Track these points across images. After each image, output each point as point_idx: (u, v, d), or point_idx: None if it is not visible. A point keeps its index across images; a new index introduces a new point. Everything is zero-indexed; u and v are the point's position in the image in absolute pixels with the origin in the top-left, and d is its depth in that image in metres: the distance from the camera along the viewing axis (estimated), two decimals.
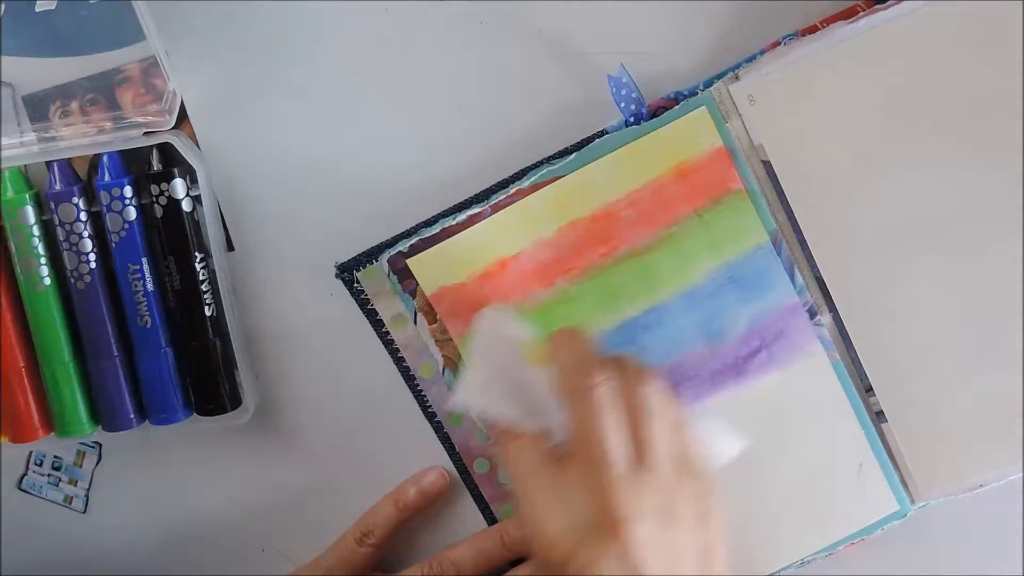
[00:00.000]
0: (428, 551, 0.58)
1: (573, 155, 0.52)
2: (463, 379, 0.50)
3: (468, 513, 0.57)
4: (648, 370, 0.47)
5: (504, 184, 0.53)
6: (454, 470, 0.57)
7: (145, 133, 0.52)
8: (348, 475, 0.58)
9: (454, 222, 0.53)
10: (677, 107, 0.52)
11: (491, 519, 0.57)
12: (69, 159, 0.53)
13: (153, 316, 0.53)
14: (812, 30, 0.51)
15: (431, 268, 0.53)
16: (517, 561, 0.56)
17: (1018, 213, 0.52)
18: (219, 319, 0.54)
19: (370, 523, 0.56)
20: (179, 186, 0.52)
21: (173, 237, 0.53)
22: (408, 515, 0.56)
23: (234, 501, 0.59)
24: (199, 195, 0.53)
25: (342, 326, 0.55)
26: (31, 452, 0.58)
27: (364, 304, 0.55)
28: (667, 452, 0.46)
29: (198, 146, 0.54)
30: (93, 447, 0.58)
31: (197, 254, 0.53)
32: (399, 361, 0.55)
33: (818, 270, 0.53)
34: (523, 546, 0.56)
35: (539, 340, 0.50)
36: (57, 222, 0.52)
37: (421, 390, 0.56)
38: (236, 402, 0.55)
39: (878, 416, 0.55)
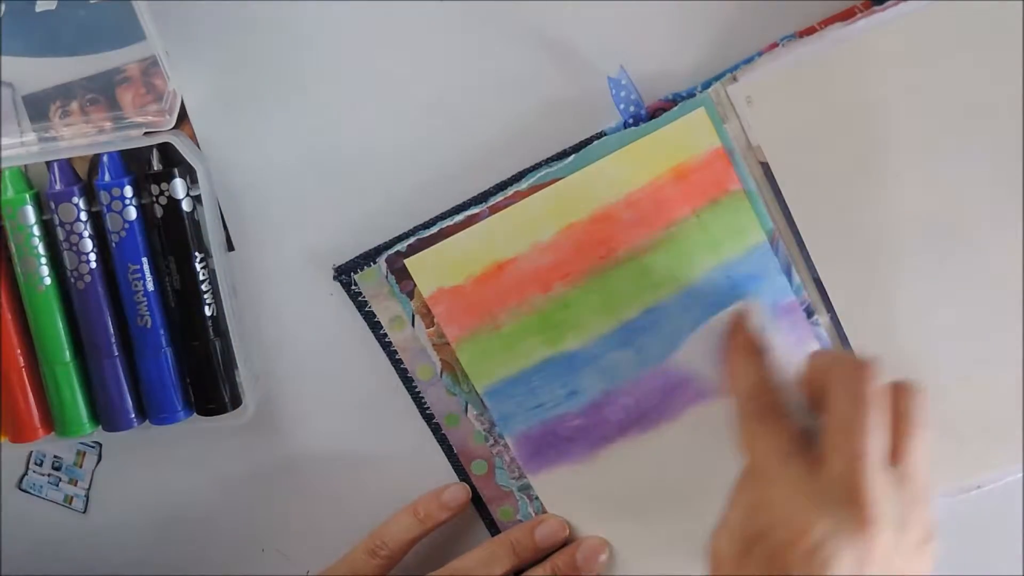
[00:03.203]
0: (428, 554, 0.58)
1: (572, 157, 0.52)
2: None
3: (467, 513, 0.57)
4: (914, 384, 0.47)
5: (503, 186, 0.53)
6: (453, 471, 0.57)
7: (145, 133, 0.53)
8: (347, 475, 0.58)
9: (452, 223, 0.53)
10: (675, 108, 0.52)
11: (489, 520, 0.57)
12: (69, 159, 0.53)
13: (153, 316, 0.53)
14: (810, 31, 0.51)
15: (429, 269, 0.53)
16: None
17: (1017, 213, 0.52)
18: (219, 319, 0.55)
19: (385, 535, 0.56)
20: (179, 186, 0.53)
21: (173, 237, 0.53)
22: (428, 527, 0.56)
23: (234, 501, 0.59)
24: (199, 195, 0.53)
25: (342, 326, 0.56)
26: (31, 452, 0.59)
27: (362, 306, 0.55)
28: (920, 468, 0.46)
29: (198, 146, 0.54)
30: (93, 447, 0.58)
31: (197, 254, 0.53)
32: (397, 363, 0.55)
33: (815, 270, 0.53)
34: (533, 552, 0.56)
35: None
36: (57, 222, 0.52)
37: (419, 391, 0.56)
38: (236, 402, 0.55)
39: None
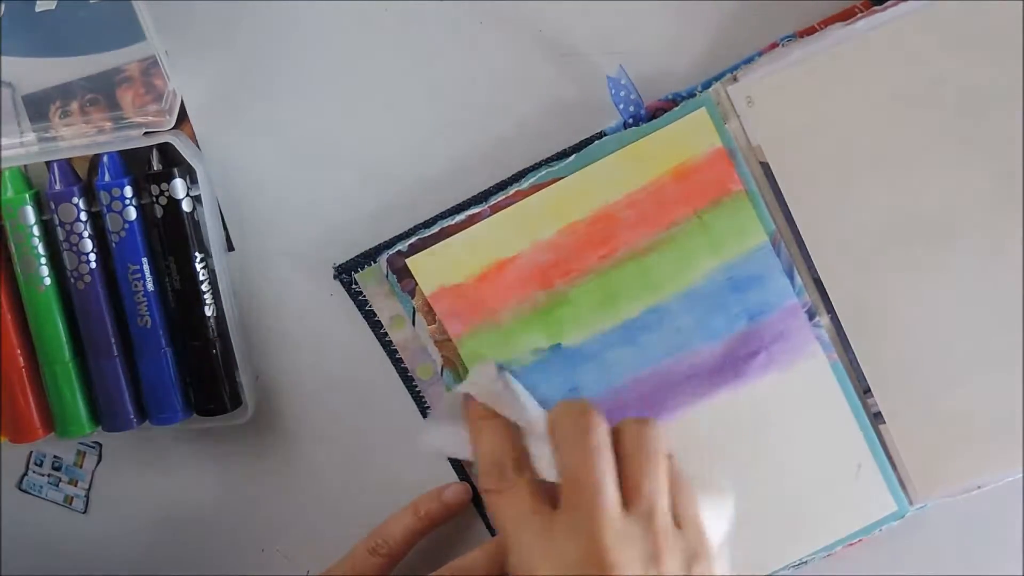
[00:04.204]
0: (428, 555, 0.58)
1: (572, 156, 0.52)
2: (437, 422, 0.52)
3: (467, 514, 0.57)
4: (645, 418, 0.48)
5: (503, 185, 0.53)
6: (453, 471, 0.57)
7: (145, 133, 0.53)
8: (347, 475, 0.58)
9: (453, 222, 0.53)
10: (677, 108, 0.52)
11: (488, 520, 0.57)
12: (69, 159, 0.53)
13: (153, 316, 0.53)
14: (810, 31, 0.51)
15: (430, 268, 0.53)
16: None
17: (1017, 213, 0.52)
18: (219, 319, 0.55)
19: (385, 533, 0.56)
20: (179, 186, 0.53)
21: (173, 237, 0.53)
22: (427, 525, 0.56)
23: (234, 501, 0.59)
24: (199, 195, 0.53)
25: (342, 326, 0.56)
26: (31, 452, 0.59)
27: (362, 305, 0.55)
28: (660, 498, 0.46)
29: (198, 146, 0.54)
30: (93, 447, 0.58)
31: (197, 254, 0.53)
32: (397, 362, 0.55)
33: (815, 270, 0.53)
34: None
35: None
36: (57, 222, 0.52)
37: (419, 391, 0.56)
38: (236, 402, 0.55)
39: (876, 417, 0.55)
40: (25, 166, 0.53)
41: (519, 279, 0.53)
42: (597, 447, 0.46)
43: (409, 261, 0.53)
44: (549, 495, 0.48)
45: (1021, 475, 0.55)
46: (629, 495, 0.46)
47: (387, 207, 0.54)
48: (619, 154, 0.52)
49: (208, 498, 0.59)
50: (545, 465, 0.49)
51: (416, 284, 0.53)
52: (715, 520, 0.49)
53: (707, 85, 0.52)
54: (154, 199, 0.53)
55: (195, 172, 0.53)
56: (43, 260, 0.53)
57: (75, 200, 0.52)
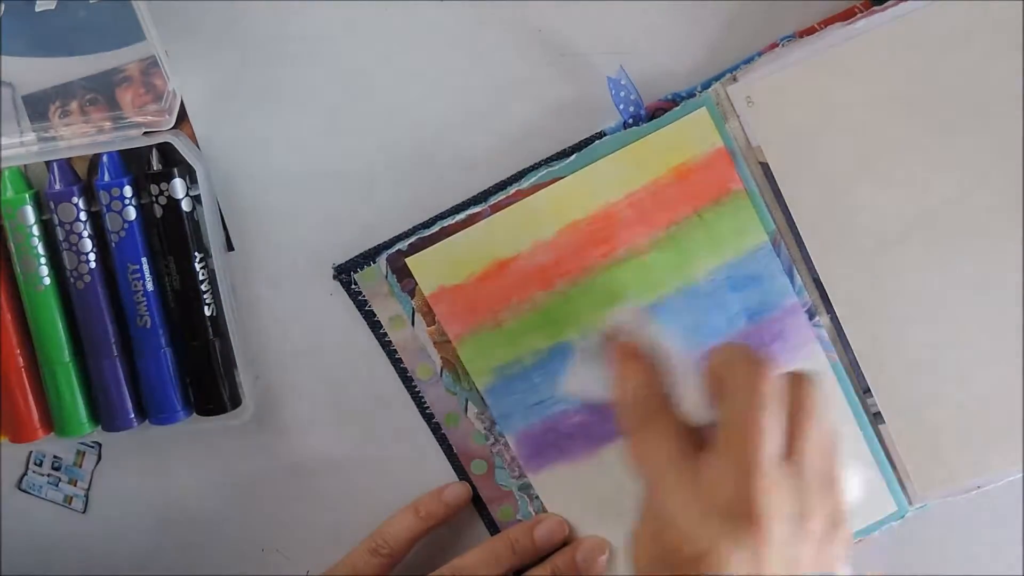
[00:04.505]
0: (429, 554, 0.58)
1: (573, 156, 0.53)
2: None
3: (466, 514, 0.57)
4: (810, 374, 0.47)
5: (503, 185, 0.53)
6: (453, 471, 0.57)
7: (145, 133, 0.53)
8: (347, 475, 0.58)
9: (453, 222, 0.53)
10: (677, 108, 0.52)
11: (488, 520, 0.57)
12: (69, 159, 0.53)
13: (153, 316, 0.53)
14: (810, 32, 0.51)
15: (430, 267, 0.53)
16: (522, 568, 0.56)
17: (1017, 213, 0.52)
18: (219, 319, 0.54)
19: (386, 533, 0.56)
20: (179, 186, 0.53)
21: (173, 237, 0.53)
22: (429, 525, 0.56)
23: (234, 501, 0.59)
24: (199, 195, 0.53)
25: (342, 326, 0.56)
26: (31, 452, 0.58)
27: (362, 305, 0.55)
28: (816, 458, 0.46)
29: (198, 146, 0.54)
30: (93, 447, 0.58)
31: (197, 254, 0.53)
32: (396, 362, 0.55)
33: (815, 270, 0.53)
34: (533, 552, 0.56)
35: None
36: (57, 222, 0.52)
37: (419, 391, 0.56)
38: (236, 402, 0.55)
39: (876, 417, 0.55)
40: (25, 166, 0.53)
41: (519, 279, 0.53)
42: (770, 394, 0.45)
43: (409, 260, 0.53)
44: (692, 438, 0.47)
45: (1021, 475, 0.55)
46: (787, 449, 0.45)
47: (387, 207, 0.54)
48: (619, 154, 0.52)
49: (208, 498, 0.59)
50: (690, 407, 0.48)
51: (416, 284, 0.53)
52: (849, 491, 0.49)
53: (707, 85, 0.52)
54: (154, 199, 0.53)
55: (195, 172, 0.53)
56: (43, 260, 0.53)
57: (75, 200, 0.52)
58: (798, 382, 0.47)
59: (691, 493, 0.45)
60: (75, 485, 0.59)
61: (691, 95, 0.52)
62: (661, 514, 0.46)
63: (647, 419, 0.48)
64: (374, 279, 0.54)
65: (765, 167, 0.52)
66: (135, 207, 0.53)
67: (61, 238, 0.53)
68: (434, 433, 0.56)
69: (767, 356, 0.47)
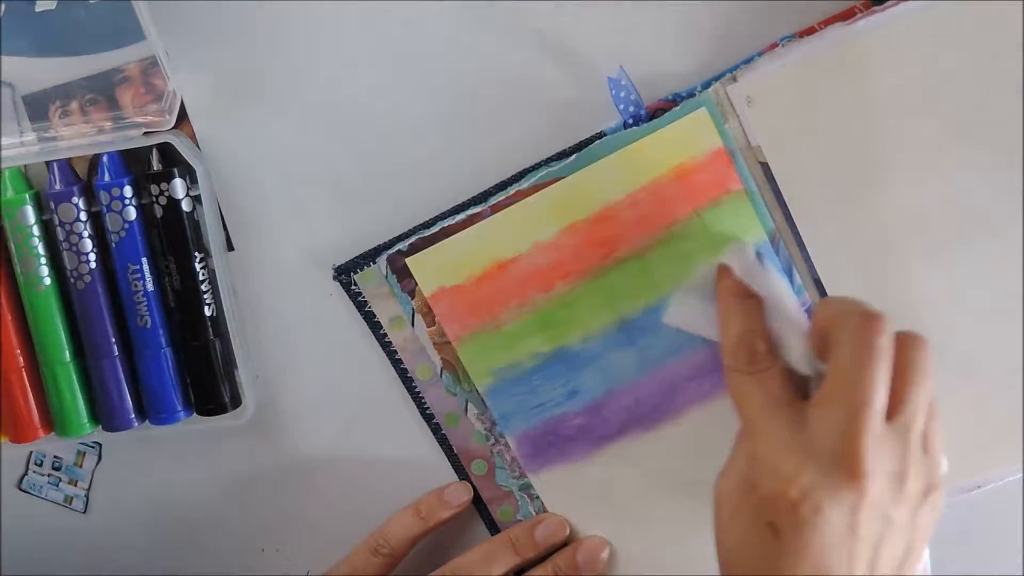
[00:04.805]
0: (429, 555, 0.58)
1: (573, 156, 0.52)
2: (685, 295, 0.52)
3: (466, 514, 0.57)
4: (921, 336, 0.46)
5: (503, 185, 0.53)
6: (453, 471, 0.57)
7: (145, 133, 0.53)
8: (347, 475, 0.58)
9: (453, 222, 0.53)
10: (677, 108, 0.52)
11: (489, 520, 0.57)
12: (69, 159, 0.53)
13: (153, 316, 0.53)
14: (810, 32, 0.51)
15: (430, 268, 0.53)
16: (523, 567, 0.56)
17: (1017, 213, 0.52)
18: (219, 319, 0.55)
19: (387, 533, 0.56)
20: (179, 186, 0.53)
21: (173, 237, 0.53)
22: (430, 525, 0.56)
23: (234, 501, 0.59)
24: (199, 195, 0.53)
25: (342, 326, 0.56)
26: (31, 452, 0.59)
27: (361, 306, 0.55)
28: (920, 419, 0.45)
29: (198, 146, 0.54)
30: (93, 447, 0.58)
31: (197, 254, 0.53)
32: (396, 363, 0.55)
33: (815, 270, 0.53)
34: (534, 551, 0.56)
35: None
36: (57, 222, 0.52)
37: (419, 391, 0.56)
38: (236, 402, 0.55)
39: None
40: (25, 166, 0.53)
41: (519, 281, 0.53)
42: (883, 349, 0.45)
43: (409, 261, 0.53)
44: (796, 385, 0.47)
45: (1021, 475, 0.55)
46: (892, 407, 0.45)
47: (387, 207, 0.54)
48: (619, 154, 0.52)
49: (208, 498, 0.59)
50: (796, 356, 0.48)
51: (416, 285, 0.53)
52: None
53: (707, 85, 0.52)
54: (154, 199, 0.53)
55: (195, 172, 0.53)
56: (43, 260, 0.53)
57: (75, 200, 0.52)
58: (911, 342, 0.46)
59: (791, 438, 0.44)
60: (75, 485, 0.59)
61: (691, 95, 0.52)
62: (755, 455, 0.45)
63: (752, 360, 0.48)
64: (374, 280, 0.54)
65: (765, 167, 0.52)
66: (135, 207, 0.53)
67: (61, 238, 0.53)
68: (434, 433, 0.56)
69: (879, 311, 0.46)
